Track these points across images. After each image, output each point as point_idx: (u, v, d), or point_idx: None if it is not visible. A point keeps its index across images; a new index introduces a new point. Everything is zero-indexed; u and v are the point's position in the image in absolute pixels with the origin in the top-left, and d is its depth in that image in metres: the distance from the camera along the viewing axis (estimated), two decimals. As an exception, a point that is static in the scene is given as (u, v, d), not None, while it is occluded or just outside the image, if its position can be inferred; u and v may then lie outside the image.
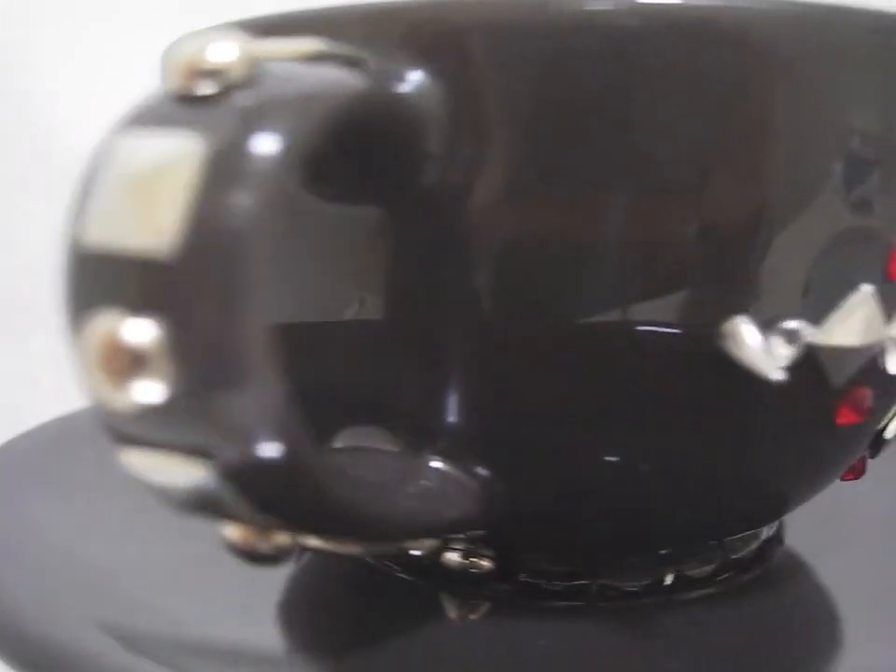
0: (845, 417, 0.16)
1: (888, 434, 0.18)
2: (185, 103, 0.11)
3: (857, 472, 0.19)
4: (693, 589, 0.18)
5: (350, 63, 0.13)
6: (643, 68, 0.14)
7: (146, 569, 0.18)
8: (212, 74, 0.11)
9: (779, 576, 0.19)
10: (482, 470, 0.16)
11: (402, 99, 0.13)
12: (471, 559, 0.18)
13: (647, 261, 0.15)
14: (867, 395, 0.16)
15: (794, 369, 0.15)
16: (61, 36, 0.31)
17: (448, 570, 0.18)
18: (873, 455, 0.19)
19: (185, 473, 0.11)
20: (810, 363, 0.15)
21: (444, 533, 0.16)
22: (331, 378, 0.16)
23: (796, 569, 0.20)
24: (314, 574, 0.19)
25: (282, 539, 0.13)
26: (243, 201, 0.10)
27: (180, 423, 0.11)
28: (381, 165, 0.13)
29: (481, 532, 0.16)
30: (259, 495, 0.12)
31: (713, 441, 0.16)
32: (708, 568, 0.18)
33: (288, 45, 0.12)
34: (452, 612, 0.18)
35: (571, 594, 0.18)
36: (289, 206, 0.15)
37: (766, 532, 0.20)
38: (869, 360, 0.16)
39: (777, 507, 0.19)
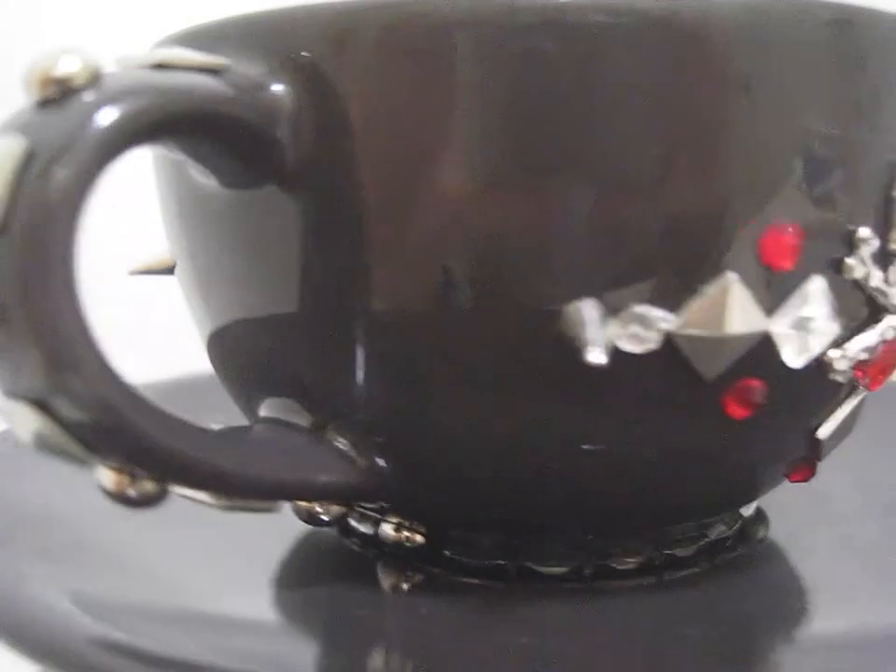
0: (734, 410, 0.16)
1: (821, 434, 0.18)
2: (39, 107, 0.13)
3: (804, 474, 0.19)
4: (615, 579, 0.18)
5: (205, 70, 0.14)
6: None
7: (135, 541, 0.19)
8: (60, 82, 0.13)
9: (720, 577, 0.19)
10: (375, 448, 0.17)
11: (256, 98, 0.15)
12: (405, 533, 0.19)
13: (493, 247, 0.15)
14: (756, 388, 0.16)
15: (657, 356, 0.15)
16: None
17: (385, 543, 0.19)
18: (818, 457, 0.18)
19: (28, 421, 0.13)
20: (672, 351, 0.15)
21: (318, 497, 0.17)
22: (259, 356, 0.18)
23: (743, 571, 0.19)
24: (284, 545, 0.21)
25: (149, 485, 0.15)
26: (49, 189, 0.12)
27: (8, 374, 0.13)
28: (246, 154, 0.15)
29: (379, 504, 0.17)
30: (90, 444, 0.14)
31: (598, 428, 0.16)
32: (634, 560, 0.18)
33: (139, 57, 0.14)
34: (385, 583, 0.19)
35: (492, 572, 0.19)
36: (195, 197, 0.17)
37: (721, 531, 0.20)
38: (756, 352, 0.15)
39: (703, 503, 0.18)
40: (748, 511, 0.21)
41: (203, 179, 0.16)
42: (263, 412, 0.18)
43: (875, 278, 0.16)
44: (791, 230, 0.15)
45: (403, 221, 0.15)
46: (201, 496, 0.16)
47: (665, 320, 0.15)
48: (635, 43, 0.15)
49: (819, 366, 0.16)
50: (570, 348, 0.15)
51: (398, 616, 0.18)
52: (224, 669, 0.15)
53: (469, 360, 0.16)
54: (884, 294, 0.16)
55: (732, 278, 0.15)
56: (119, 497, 0.15)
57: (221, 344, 0.18)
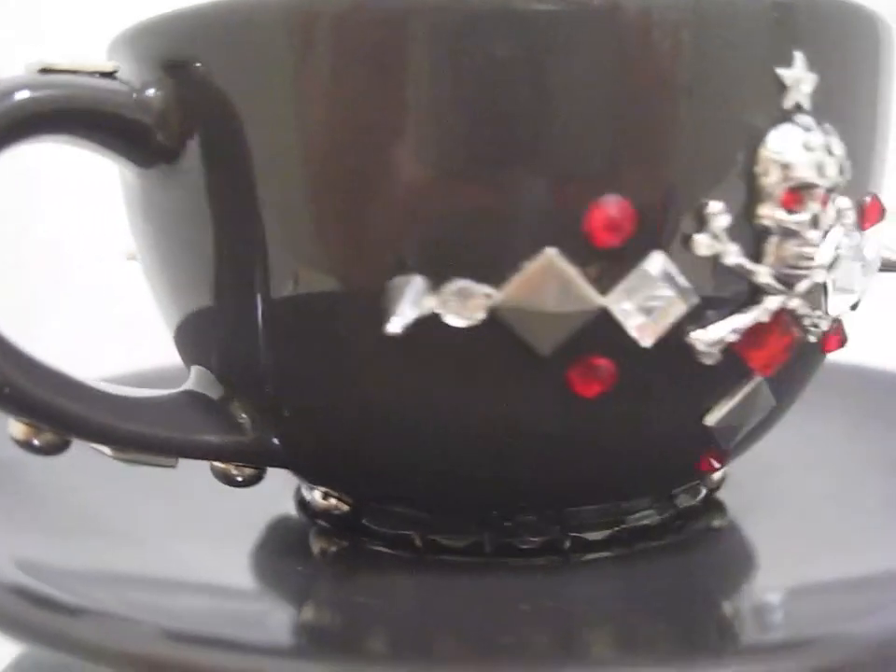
0: (582, 388, 0.16)
1: (708, 421, 0.17)
2: None
3: (709, 464, 0.18)
4: (514, 556, 0.18)
5: (99, 74, 0.16)
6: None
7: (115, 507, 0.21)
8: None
9: (633, 563, 0.19)
10: (272, 421, 0.18)
11: (129, 96, 0.16)
12: (332, 501, 0.20)
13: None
14: (603, 366, 0.16)
15: (492, 330, 0.15)
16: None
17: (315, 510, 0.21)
18: (716, 445, 0.17)
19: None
20: (500, 325, 0.15)
21: (201, 455, 0.18)
22: (188, 331, 0.19)
23: (659, 559, 0.19)
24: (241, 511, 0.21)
25: (51, 437, 0.17)
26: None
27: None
28: (126, 139, 0.17)
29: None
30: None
31: (460, 403, 0.16)
32: (536, 540, 0.19)
33: (36, 62, 0.16)
34: (315, 548, 0.20)
35: (399, 542, 0.19)
36: (128, 185, 0.19)
37: (652, 518, 0.19)
38: (598, 329, 0.15)
39: (601, 486, 0.18)
40: (688, 500, 0.20)
41: (127, 170, 0.18)
42: (189, 381, 0.19)
43: (732, 254, 0.15)
44: (619, 205, 0.15)
45: (292, 207, 0.16)
46: (102, 448, 0.17)
47: (488, 295, 0.15)
48: (579, 32, 0.15)
49: (682, 347, 0.16)
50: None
51: (314, 580, 0.19)
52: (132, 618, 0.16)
53: (344, 342, 0.17)
54: (750, 272, 0.16)
55: (551, 254, 0.15)
56: (27, 446, 0.17)
57: (169, 322, 0.20)
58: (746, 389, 0.17)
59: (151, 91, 0.16)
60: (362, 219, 0.16)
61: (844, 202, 0.17)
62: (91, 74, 0.17)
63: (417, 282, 0.15)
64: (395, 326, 0.15)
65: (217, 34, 0.16)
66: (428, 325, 0.15)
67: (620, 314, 0.15)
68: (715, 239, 0.15)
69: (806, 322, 0.17)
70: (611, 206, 0.15)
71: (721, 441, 0.17)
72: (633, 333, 0.15)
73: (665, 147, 0.15)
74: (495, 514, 0.19)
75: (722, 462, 0.18)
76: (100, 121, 0.16)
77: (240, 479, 0.19)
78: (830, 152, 0.16)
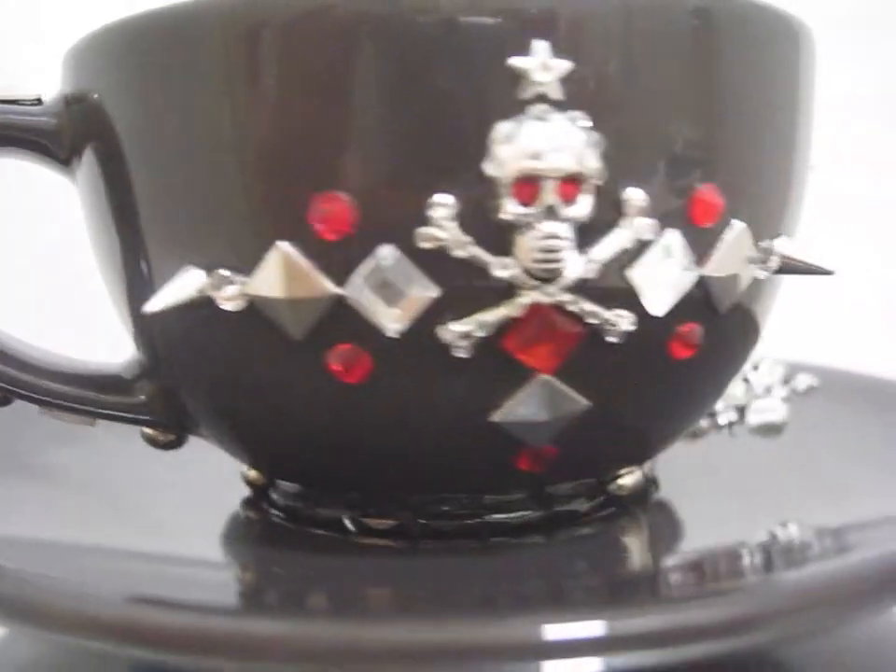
0: (340, 373, 0.16)
1: (495, 418, 0.16)
2: None
3: (527, 462, 0.17)
4: (371, 537, 0.19)
5: (33, 101, 0.20)
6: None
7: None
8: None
9: (480, 557, 0.18)
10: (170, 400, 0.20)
11: (34, 120, 0.19)
12: (255, 473, 0.22)
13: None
14: (355, 353, 0.16)
15: (251, 315, 0.16)
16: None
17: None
18: (534, 445, 0.17)
19: None
20: (260, 311, 0.16)
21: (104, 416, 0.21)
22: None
23: (503, 556, 0.18)
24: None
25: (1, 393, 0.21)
26: None
27: None
28: (36, 151, 0.20)
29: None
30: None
31: (247, 384, 0.18)
32: (386, 522, 0.19)
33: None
34: (242, 516, 0.22)
35: (291, 515, 0.21)
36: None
37: (523, 517, 0.19)
38: (347, 317, 0.16)
39: (418, 478, 0.18)
40: (582, 504, 0.20)
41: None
42: (120, 364, 0.22)
43: (460, 247, 0.15)
44: (335, 201, 0.15)
45: (170, 216, 0.18)
46: (34, 405, 0.21)
47: (243, 283, 0.16)
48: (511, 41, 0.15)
49: (434, 340, 0.16)
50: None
51: (232, 546, 0.21)
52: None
53: (176, 331, 0.18)
54: (487, 265, 0.15)
55: (281, 246, 0.16)
56: (-15, 399, 0.21)
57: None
58: (530, 387, 0.16)
59: (45, 118, 0.19)
60: (179, 216, 0.17)
61: (633, 193, 0.16)
62: (32, 101, 0.20)
63: (193, 270, 0.17)
64: (150, 306, 0.17)
65: (107, 62, 0.19)
66: (212, 310, 0.17)
67: (355, 303, 0.16)
68: (440, 231, 0.15)
69: (592, 320, 0.16)
70: (328, 201, 0.15)
71: (529, 440, 0.17)
72: (375, 322, 0.16)
73: (385, 143, 0.15)
74: (353, 494, 0.20)
75: (540, 462, 0.17)
76: (8, 138, 0.20)
77: (163, 441, 0.22)
78: (567, 142, 0.15)
